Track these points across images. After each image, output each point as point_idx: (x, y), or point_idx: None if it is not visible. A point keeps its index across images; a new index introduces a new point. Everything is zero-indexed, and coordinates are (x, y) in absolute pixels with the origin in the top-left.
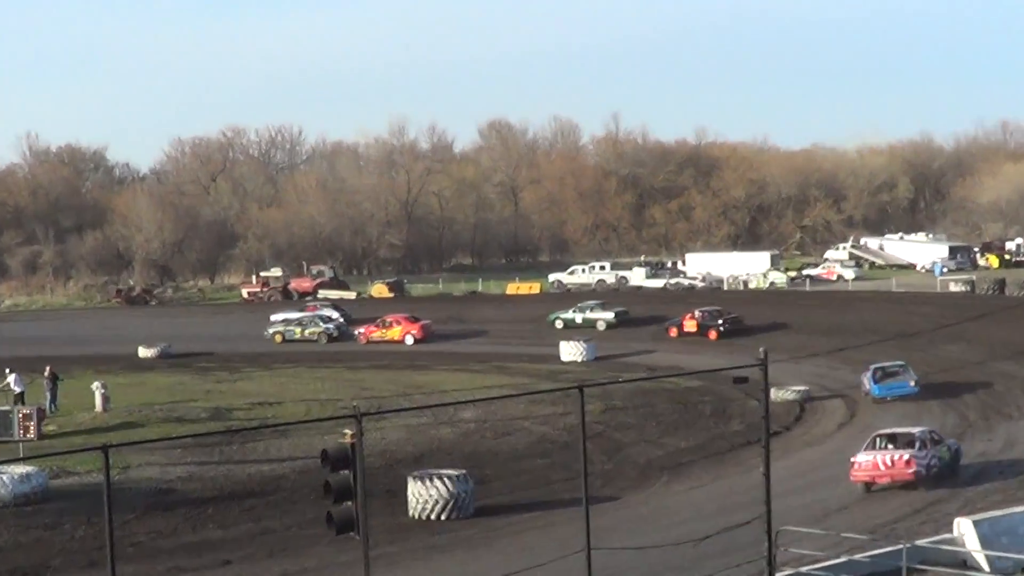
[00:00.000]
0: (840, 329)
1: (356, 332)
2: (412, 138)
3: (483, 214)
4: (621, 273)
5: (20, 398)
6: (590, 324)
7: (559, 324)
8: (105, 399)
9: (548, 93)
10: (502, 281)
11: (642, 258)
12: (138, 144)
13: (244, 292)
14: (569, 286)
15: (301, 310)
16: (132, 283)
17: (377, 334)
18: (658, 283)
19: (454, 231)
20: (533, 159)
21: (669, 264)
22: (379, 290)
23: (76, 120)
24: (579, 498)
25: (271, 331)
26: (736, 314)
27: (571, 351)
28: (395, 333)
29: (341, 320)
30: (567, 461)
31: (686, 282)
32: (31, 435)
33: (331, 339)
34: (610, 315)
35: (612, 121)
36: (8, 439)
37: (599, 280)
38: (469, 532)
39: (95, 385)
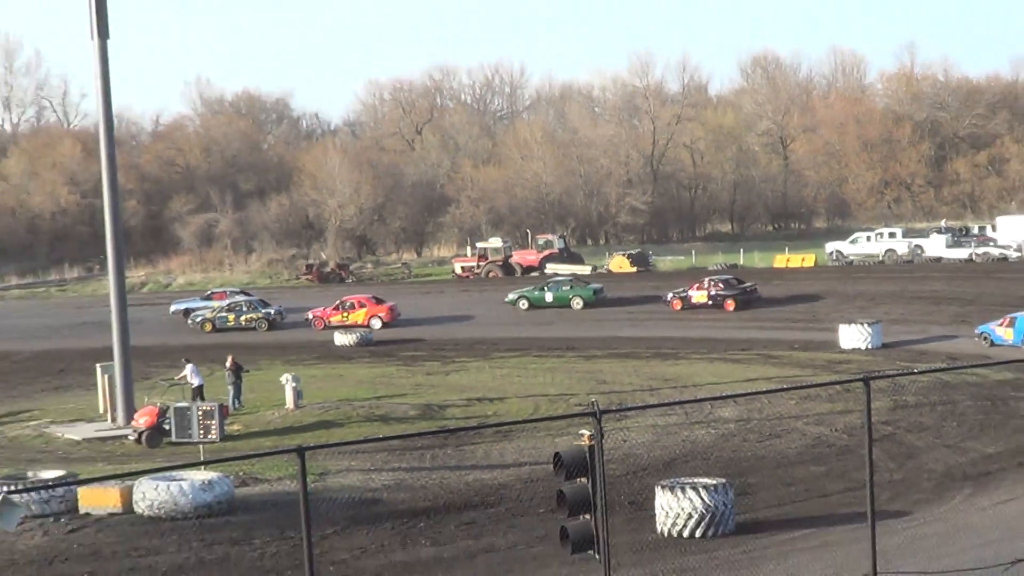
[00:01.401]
0: None
1: (309, 317)
2: (658, 78)
3: (745, 170)
4: (915, 241)
5: (199, 393)
6: (563, 302)
7: (523, 305)
8: (297, 394)
9: (826, 20)
10: (769, 252)
11: (943, 223)
12: (328, 90)
13: (457, 267)
14: (851, 257)
15: (207, 298)
16: (324, 257)
17: (337, 318)
18: (961, 253)
19: (710, 192)
20: (807, 102)
21: (976, 230)
22: (619, 263)
23: (254, 63)
24: (861, 513)
25: (199, 318)
26: (751, 283)
27: (853, 336)
28: (359, 316)
29: (277, 306)
30: (847, 469)
31: (996, 252)
32: (213, 436)
33: (272, 325)
34: (588, 292)
35: (906, 53)
36: (187, 440)
37: (888, 250)
38: (728, 552)
39: (285, 378)
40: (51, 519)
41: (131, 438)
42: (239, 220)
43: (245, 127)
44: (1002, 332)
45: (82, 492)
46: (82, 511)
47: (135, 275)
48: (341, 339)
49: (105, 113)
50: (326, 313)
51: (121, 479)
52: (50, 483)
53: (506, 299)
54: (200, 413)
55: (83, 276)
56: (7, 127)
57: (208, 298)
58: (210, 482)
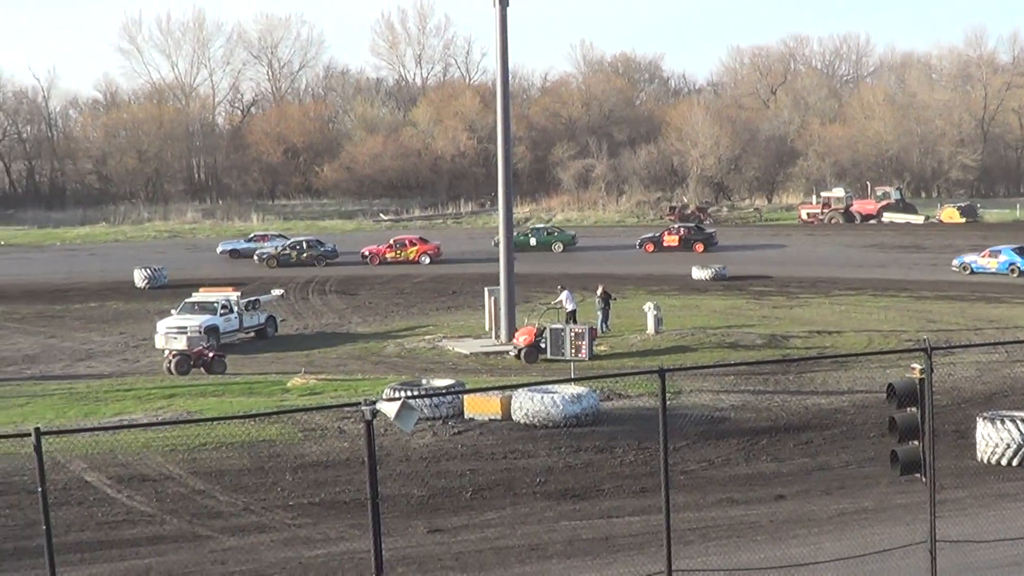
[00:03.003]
0: None
1: (366, 253)
2: (991, 49)
3: None
4: None
5: (572, 316)
6: (546, 246)
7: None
8: (657, 321)
9: None
10: None
11: None
12: (695, 54)
13: (803, 213)
14: None
15: (250, 240)
16: (686, 200)
17: (391, 255)
18: None
19: None
20: None
21: None
22: (949, 215)
23: (631, 28)
24: None
25: (264, 255)
26: (713, 229)
27: None
28: (410, 254)
29: (333, 245)
30: None
31: None
32: (582, 355)
33: (330, 261)
34: (567, 237)
35: None
36: (560, 358)
37: None
38: None
39: (647, 306)
40: (440, 422)
41: (511, 354)
42: (612, 166)
43: (621, 85)
44: (984, 262)
45: (468, 399)
46: (467, 416)
47: (520, 211)
48: (698, 273)
49: (502, 70)
50: (381, 250)
51: (502, 390)
52: (442, 391)
53: (493, 243)
54: (572, 334)
55: (476, 211)
56: (418, 81)
57: (251, 240)
58: (579, 396)
